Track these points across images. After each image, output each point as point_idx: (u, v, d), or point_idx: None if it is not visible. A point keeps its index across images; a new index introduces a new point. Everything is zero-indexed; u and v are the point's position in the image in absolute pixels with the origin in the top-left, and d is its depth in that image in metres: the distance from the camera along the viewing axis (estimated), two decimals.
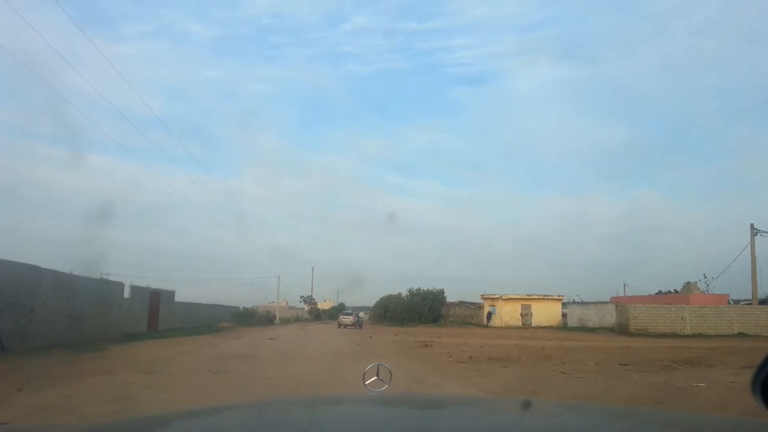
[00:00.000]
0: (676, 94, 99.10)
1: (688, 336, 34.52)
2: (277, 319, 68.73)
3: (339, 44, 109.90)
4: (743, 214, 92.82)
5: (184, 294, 46.02)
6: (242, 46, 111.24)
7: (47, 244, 56.83)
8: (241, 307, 60.47)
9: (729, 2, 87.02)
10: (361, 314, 67.61)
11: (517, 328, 46.13)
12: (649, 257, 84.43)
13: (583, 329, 39.79)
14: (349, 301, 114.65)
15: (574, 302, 46.22)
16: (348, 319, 49.19)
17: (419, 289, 59.07)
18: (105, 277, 31.04)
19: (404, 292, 62.13)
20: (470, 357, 17.17)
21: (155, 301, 38.68)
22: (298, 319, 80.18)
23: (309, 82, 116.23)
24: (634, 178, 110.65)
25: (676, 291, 51.00)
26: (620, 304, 38.52)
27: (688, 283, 42.91)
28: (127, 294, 34.53)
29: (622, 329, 36.61)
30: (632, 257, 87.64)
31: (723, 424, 2.10)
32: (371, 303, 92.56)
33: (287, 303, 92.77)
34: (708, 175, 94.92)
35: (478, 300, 56.05)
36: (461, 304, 57.38)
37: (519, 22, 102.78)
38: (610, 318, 38.70)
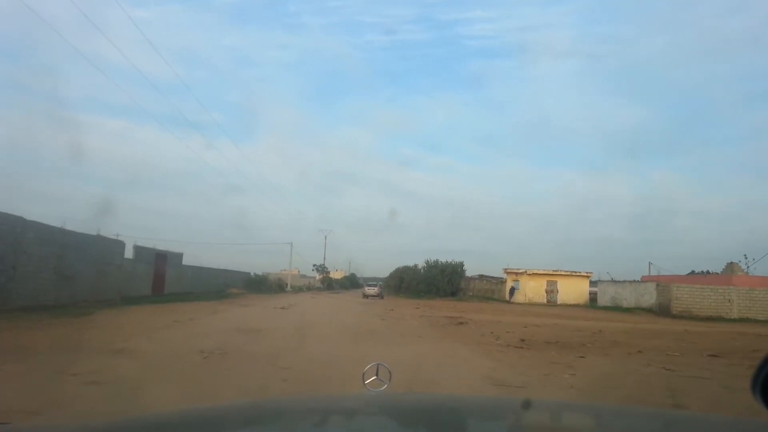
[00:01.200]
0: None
1: (735, 320, 31.17)
2: (289, 286, 66.11)
3: (358, 13, 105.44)
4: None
5: (195, 258, 43.74)
6: (261, 12, 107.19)
7: (52, 201, 54.66)
8: (252, 274, 57.62)
9: None
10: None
11: (541, 305, 43.03)
12: (673, 237, 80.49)
13: (617, 309, 36.50)
14: (361, 272, 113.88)
15: (604, 280, 42.77)
16: (373, 290, 49.70)
17: (437, 261, 55.97)
18: (109, 235, 28.53)
19: (420, 264, 59.36)
20: (522, 340, 14.05)
21: (161, 263, 36.13)
22: (309, 288, 77.64)
23: (327, 52, 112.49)
24: (655, 157, 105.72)
25: (709, 272, 47.52)
26: (661, 283, 35.06)
27: (731, 263, 39.28)
28: (129, 254, 32.23)
29: (662, 310, 33.27)
30: (655, 237, 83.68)
31: (723, 424, 2.04)
32: (384, 274, 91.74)
33: (299, 271, 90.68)
34: (733, 157, 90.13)
35: (499, 274, 52.97)
36: (481, 278, 54.21)
37: None
38: (648, 298, 35.30)
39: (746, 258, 40.67)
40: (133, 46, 79.93)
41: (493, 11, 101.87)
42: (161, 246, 38.00)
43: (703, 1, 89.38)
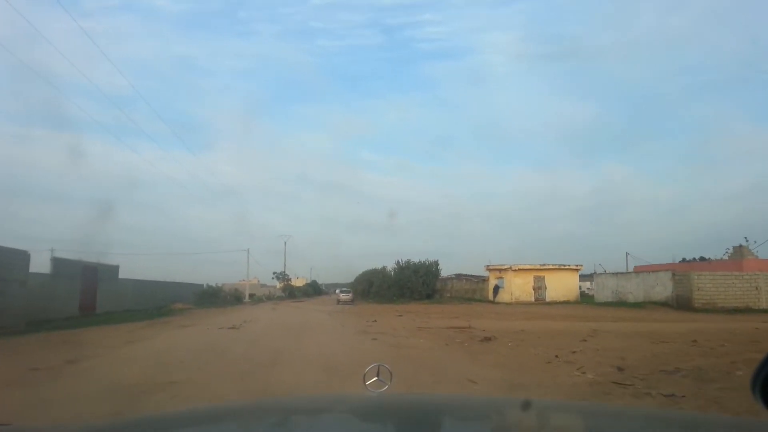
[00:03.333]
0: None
1: (765, 310, 26.64)
2: (247, 297, 59.00)
3: (309, 19, 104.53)
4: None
5: (145, 272, 37.31)
6: (211, 21, 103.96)
7: None
8: (205, 286, 50.12)
9: None
10: (338, 291, 65.28)
11: (529, 303, 37.91)
12: (636, 228, 78.01)
13: (623, 304, 31.49)
14: (323, 278, 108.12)
15: (600, 273, 37.87)
16: (347, 296, 48.50)
17: (408, 261, 50.20)
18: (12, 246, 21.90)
19: (390, 266, 53.53)
20: (619, 368, 8.40)
21: (90, 277, 29.28)
22: (270, 297, 70.55)
23: (279, 58, 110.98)
24: (607, 152, 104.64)
25: (703, 258, 43.46)
26: (678, 272, 30.20)
27: (740, 246, 34.98)
28: (46, 268, 25.62)
29: (682, 303, 28.41)
30: (618, 229, 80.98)
31: (723, 424, 2.02)
32: (347, 279, 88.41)
33: (258, 280, 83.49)
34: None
35: (478, 272, 47.76)
36: (459, 277, 48.67)
37: None
38: (661, 290, 30.39)
39: (747, 241, 36.58)
40: (77, 56, 71.74)
41: (442, 14, 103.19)
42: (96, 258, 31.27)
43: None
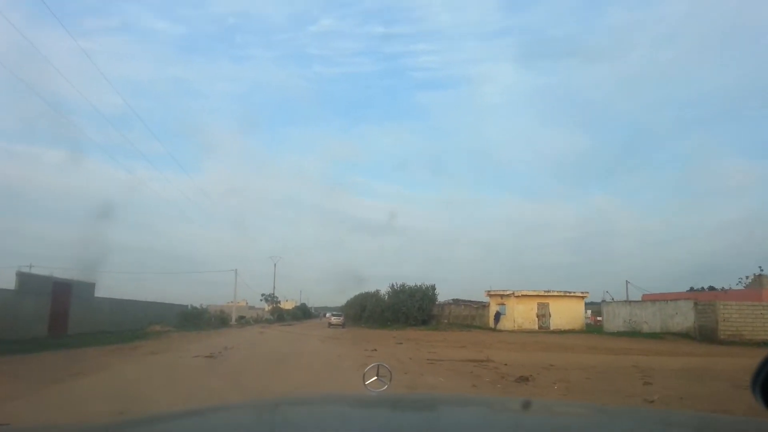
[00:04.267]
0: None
1: None
2: (234, 320, 55.69)
3: (306, 46, 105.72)
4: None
5: (126, 290, 34.65)
6: (208, 44, 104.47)
7: None
8: (189, 307, 46.70)
9: (686, 19, 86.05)
10: (328, 314, 64.25)
11: (533, 332, 35.25)
12: (632, 260, 76.00)
13: (637, 334, 28.90)
14: (312, 302, 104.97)
15: (609, 301, 35.35)
16: (338, 320, 48.81)
17: (404, 285, 47.40)
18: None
19: (383, 290, 50.71)
20: None
21: (62, 295, 26.47)
22: (258, 320, 67.19)
23: (275, 83, 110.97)
24: (595, 182, 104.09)
25: (712, 288, 41.21)
26: (701, 301, 27.70)
27: (759, 275, 32.65)
28: (11, 284, 23.03)
29: (705, 335, 25.85)
30: (610, 258, 78.93)
31: (723, 424, 1.99)
32: (337, 303, 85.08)
33: (247, 303, 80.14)
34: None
35: (476, 298, 45.08)
36: (457, 302, 45.88)
37: (484, 29, 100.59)
38: (681, 320, 27.82)
39: (761, 269, 34.35)
40: (72, 76, 69.97)
41: (437, 44, 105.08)
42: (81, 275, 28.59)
43: (638, 32, 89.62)
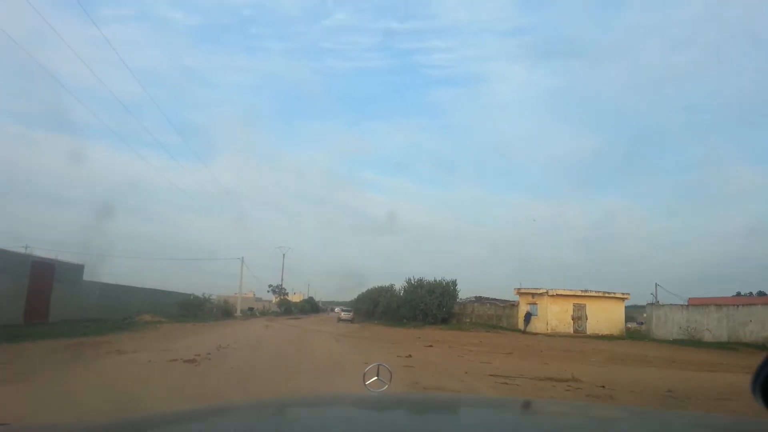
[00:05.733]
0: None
1: None
2: (239, 311, 51.67)
3: (319, 40, 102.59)
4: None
5: (125, 277, 31.54)
6: (223, 35, 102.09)
7: None
8: (192, 296, 42.29)
9: (700, 22, 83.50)
10: (336, 309, 65.80)
11: (568, 336, 30.94)
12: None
13: (698, 343, 24.48)
14: (319, 296, 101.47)
15: (657, 304, 30.90)
16: (348, 315, 49.42)
17: (422, 279, 43.09)
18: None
19: (398, 284, 46.53)
20: None
21: (44, 277, 22.51)
22: (264, 313, 63.19)
23: (288, 76, 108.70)
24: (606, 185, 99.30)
25: (762, 293, 36.71)
26: None
27: None
28: None
29: None
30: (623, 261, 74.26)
31: (723, 424, 1.94)
32: (344, 298, 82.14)
33: (254, 294, 76.26)
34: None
35: (503, 296, 40.76)
36: (480, 300, 41.50)
37: (498, 27, 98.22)
38: (756, 328, 23.44)
39: None
40: (75, 64, 67.22)
41: (451, 41, 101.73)
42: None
43: (652, 35, 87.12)
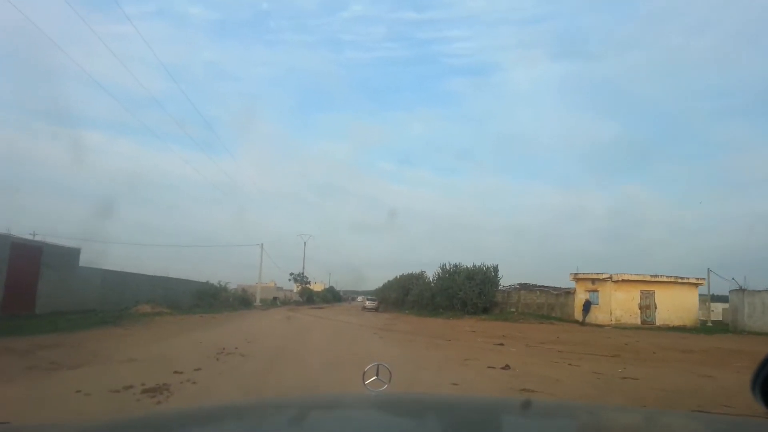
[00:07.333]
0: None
1: None
2: (258, 300, 47.57)
3: (338, 31, 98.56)
4: None
5: (144, 266, 27.81)
6: (242, 29, 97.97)
7: None
8: (207, 283, 38.08)
9: (721, 5, 77.90)
10: (359, 298, 67.68)
11: (635, 327, 26.10)
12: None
13: None
14: (340, 286, 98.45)
15: (742, 289, 25.79)
16: (372, 304, 49.64)
17: (458, 265, 38.49)
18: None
19: (431, 272, 42.08)
20: None
21: (28, 262, 18.53)
22: (285, 302, 59.15)
23: (307, 68, 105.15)
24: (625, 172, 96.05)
25: None
26: None
27: None
28: None
29: None
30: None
31: (723, 424, 1.91)
32: (363, 287, 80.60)
33: (276, 283, 72.46)
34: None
35: (544, 282, 35.91)
36: (527, 287, 36.62)
37: (517, 16, 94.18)
38: None
39: None
40: (101, 59, 64.60)
41: (470, 30, 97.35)
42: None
43: (671, 20, 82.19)
